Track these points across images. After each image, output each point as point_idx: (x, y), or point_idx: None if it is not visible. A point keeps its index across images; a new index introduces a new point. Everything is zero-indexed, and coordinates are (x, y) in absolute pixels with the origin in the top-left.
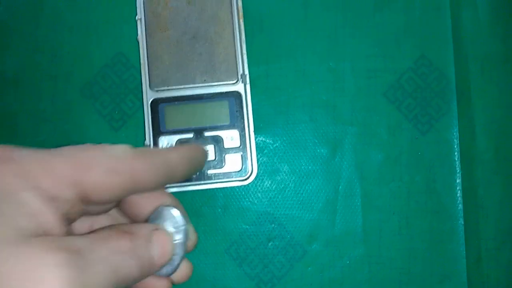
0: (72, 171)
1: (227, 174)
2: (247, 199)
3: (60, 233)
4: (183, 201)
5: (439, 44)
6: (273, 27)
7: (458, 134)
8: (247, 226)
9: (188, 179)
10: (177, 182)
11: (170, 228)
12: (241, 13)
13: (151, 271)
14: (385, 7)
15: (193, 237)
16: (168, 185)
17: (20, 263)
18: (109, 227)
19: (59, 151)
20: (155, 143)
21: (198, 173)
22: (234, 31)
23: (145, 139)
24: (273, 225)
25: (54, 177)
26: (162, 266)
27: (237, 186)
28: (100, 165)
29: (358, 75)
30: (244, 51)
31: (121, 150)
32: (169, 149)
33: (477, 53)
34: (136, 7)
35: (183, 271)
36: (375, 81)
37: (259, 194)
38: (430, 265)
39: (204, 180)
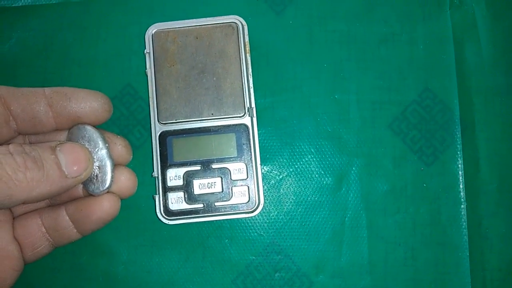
0: None
1: (234, 206)
2: (253, 230)
3: None
4: (190, 232)
5: (443, 77)
6: (279, 61)
7: (462, 165)
8: (254, 257)
9: (196, 212)
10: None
11: (84, 142)
12: (248, 48)
13: (67, 180)
14: (390, 41)
15: (121, 146)
16: (174, 218)
17: None
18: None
19: None
20: (163, 175)
21: (205, 206)
22: (241, 65)
23: (153, 170)
24: (279, 256)
25: None
26: (81, 176)
27: (244, 218)
28: None
29: (363, 107)
30: (251, 85)
31: None
32: (49, 88)
33: (481, 86)
34: (144, 41)
35: (123, 181)
36: (380, 113)
37: (266, 225)
38: None
39: (211, 212)
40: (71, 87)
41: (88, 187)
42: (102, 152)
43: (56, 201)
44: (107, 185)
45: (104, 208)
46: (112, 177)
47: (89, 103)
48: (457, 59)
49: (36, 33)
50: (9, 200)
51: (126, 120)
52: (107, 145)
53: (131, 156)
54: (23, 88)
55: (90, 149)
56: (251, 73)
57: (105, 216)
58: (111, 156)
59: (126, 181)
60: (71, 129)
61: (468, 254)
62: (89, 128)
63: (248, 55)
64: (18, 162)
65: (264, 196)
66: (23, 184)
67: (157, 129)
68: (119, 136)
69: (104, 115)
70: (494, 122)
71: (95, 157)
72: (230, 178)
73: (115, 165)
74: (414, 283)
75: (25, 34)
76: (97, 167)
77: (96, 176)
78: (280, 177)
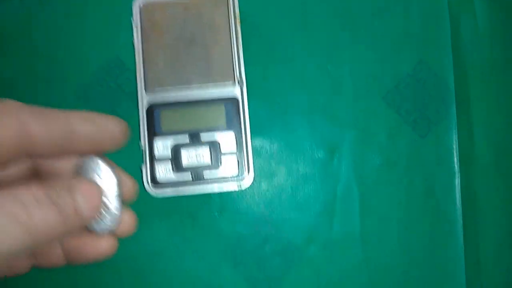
0: None
1: (223, 178)
2: (243, 203)
3: None
4: (179, 205)
5: (438, 49)
6: (271, 31)
7: (457, 138)
8: (244, 230)
9: (184, 184)
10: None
11: (96, 178)
12: (238, 18)
13: (80, 222)
14: (384, 12)
15: (130, 187)
16: (162, 189)
17: None
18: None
19: None
20: (150, 145)
21: (194, 177)
22: (231, 35)
23: (140, 141)
24: (270, 228)
25: None
26: (93, 217)
27: (234, 190)
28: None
29: (357, 79)
30: (241, 55)
31: (18, 110)
32: (71, 111)
33: (476, 59)
34: (132, 13)
35: (126, 222)
36: (373, 86)
37: (256, 198)
38: (428, 269)
39: (201, 183)
40: (95, 112)
41: (90, 224)
42: (112, 192)
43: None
44: (109, 227)
45: (103, 249)
46: (116, 219)
47: (111, 129)
48: (453, 32)
49: (22, 3)
50: (30, 248)
51: (113, 93)
52: (119, 185)
53: (136, 197)
54: (46, 109)
55: (102, 188)
56: (241, 44)
57: (100, 257)
58: (120, 198)
59: (127, 223)
60: (84, 159)
61: (461, 226)
62: (103, 164)
63: (238, 26)
64: (45, 212)
65: (254, 168)
66: (46, 231)
67: (144, 100)
68: (128, 175)
69: (122, 142)
70: (489, 95)
71: (104, 196)
72: (219, 150)
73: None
74: (406, 255)
75: (10, 4)
76: (104, 207)
77: (101, 214)
78: (271, 149)
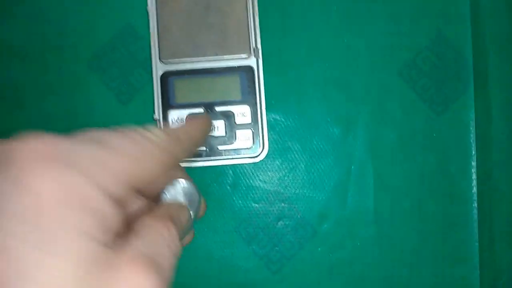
0: (131, 168)
1: (237, 151)
2: (257, 177)
3: (123, 231)
4: (192, 177)
5: (457, 22)
6: (287, 1)
7: (474, 115)
8: (257, 205)
9: (198, 155)
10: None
11: (185, 201)
12: None
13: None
14: None
15: (203, 207)
16: None
17: (115, 282)
18: (148, 216)
19: (107, 144)
20: (165, 117)
21: (208, 150)
22: (247, 3)
23: (154, 112)
24: (283, 204)
25: (116, 176)
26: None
27: (247, 164)
28: (152, 159)
29: (373, 52)
30: (257, 24)
31: (161, 139)
32: (192, 125)
33: (495, 32)
34: None
35: (189, 236)
36: (390, 59)
37: (269, 173)
38: (442, 247)
39: (215, 155)
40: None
41: None
42: (191, 216)
43: None
44: (184, 240)
45: None
46: (190, 233)
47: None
48: (472, 4)
49: None
50: None
51: (126, 61)
52: (199, 206)
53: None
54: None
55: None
56: (257, 12)
57: None
58: (193, 220)
59: (190, 237)
60: (170, 185)
61: (476, 206)
62: (195, 193)
63: None
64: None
65: (269, 142)
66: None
67: (158, 69)
68: (204, 199)
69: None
70: (508, 70)
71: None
72: (234, 122)
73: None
74: (419, 234)
75: None
76: None
77: None
78: (286, 123)
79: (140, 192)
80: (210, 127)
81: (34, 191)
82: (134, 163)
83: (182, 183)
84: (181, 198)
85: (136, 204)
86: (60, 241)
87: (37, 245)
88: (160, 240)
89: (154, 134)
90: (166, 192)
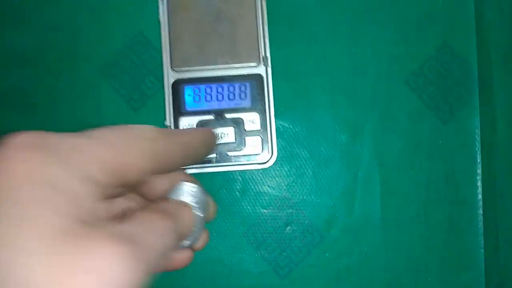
0: (112, 154)
1: (246, 157)
2: (265, 183)
3: (106, 218)
4: (202, 183)
5: (462, 32)
6: (296, 11)
7: (479, 123)
8: (265, 210)
9: (208, 161)
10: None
11: (191, 202)
12: None
13: (178, 245)
14: None
15: (212, 208)
16: (186, 168)
17: (84, 254)
18: (144, 209)
19: (93, 135)
20: (176, 124)
21: (217, 156)
22: (257, 13)
23: (165, 119)
24: (291, 210)
25: (96, 162)
26: (186, 235)
27: (256, 170)
28: (136, 148)
29: (380, 61)
30: (266, 33)
31: (148, 131)
32: (188, 131)
33: (500, 42)
34: None
35: (202, 239)
36: (396, 68)
37: (278, 179)
38: (447, 254)
39: (224, 161)
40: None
41: None
42: (199, 218)
43: None
44: (194, 242)
45: (182, 261)
46: (196, 240)
47: (213, 142)
48: (477, 14)
49: None
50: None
51: (137, 69)
52: (207, 208)
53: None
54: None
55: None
56: (266, 22)
57: (179, 267)
58: (204, 222)
59: (204, 240)
60: (176, 187)
61: (481, 213)
62: (201, 194)
63: (264, 2)
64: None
65: (277, 149)
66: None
67: (170, 77)
68: (212, 201)
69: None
70: None
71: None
72: (244, 129)
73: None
74: (426, 240)
75: None
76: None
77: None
78: (294, 130)
79: (143, 194)
80: (211, 139)
81: (10, 172)
82: (118, 150)
83: (187, 185)
84: (186, 199)
85: (136, 202)
86: (31, 215)
87: (8, 218)
88: (150, 227)
89: (144, 128)
90: (171, 194)
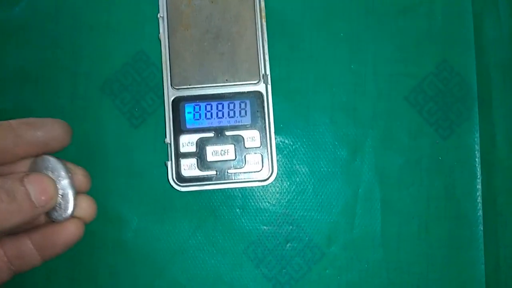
0: None
1: (247, 174)
2: (265, 200)
3: None
4: (201, 201)
5: (461, 49)
6: (295, 28)
7: (479, 140)
8: (265, 227)
9: (209, 179)
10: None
11: (48, 172)
12: (263, 14)
13: (35, 209)
14: (408, 12)
15: (81, 174)
16: (186, 185)
17: None
18: None
19: None
20: (176, 141)
21: (217, 173)
22: (257, 31)
23: (165, 137)
24: (291, 226)
25: None
26: (48, 204)
27: (256, 187)
28: None
29: (380, 78)
30: (266, 51)
31: None
32: (14, 120)
33: (499, 59)
34: (158, 5)
35: (85, 208)
36: (396, 85)
37: (278, 195)
38: (448, 271)
39: (224, 179)
40: (36, 118)
41: (51, 215)
42: (65, 182)
43: (17, 230)
44: (69, 212)
45: (71, 231)
46: (75, 204)
47: (55, 130)
48: (476, 32)
49: None
50: None
51: (138, 86)
52: (69, 174)
53: (90, 185)
54: None
55: (54, 179)
56: (266, 40)
57: (71, 239)
58: (73, 185)
59: (87, 207)
60: (36, 159)
61: (482, 229)
62: (52, 159)
63: (263, 20)
64: None
65: (277, 165)
66: (1, 217)
67: (170, 94)
68: (79, 167)
69: (67, 141)
70: (511, 96)
71: (58, 186)
72: (244, 146)
73: (77, 193)
74: (426, 257)
75: None
76: (60, 196)
77: (60, 204)
78: (294, 147)
79: None
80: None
81: None
82: None
83: (41, 158)
84: (45, 171)
85: None
86: None
87: None
88: None
89: None
90: (31, 169)
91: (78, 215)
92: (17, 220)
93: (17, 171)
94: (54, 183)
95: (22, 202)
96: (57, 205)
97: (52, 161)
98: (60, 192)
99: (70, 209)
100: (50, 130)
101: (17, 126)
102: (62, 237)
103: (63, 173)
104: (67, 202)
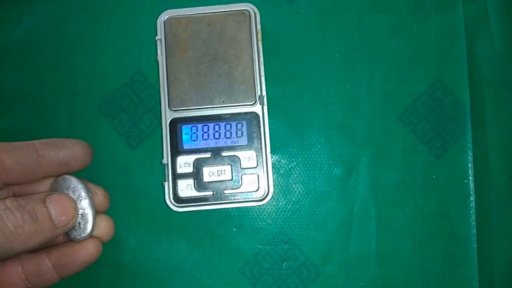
0: None
1: (243, 194)
2: (262, 219)
3: None
4: (198, 220)
5: (454, 69)
6: (290, 50)
7: (472, 158)
8: (262, 246)
9: (205, 200)
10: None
11: (68, 192)
12: (260, 36)
13: (56, 229)
14: (401, 32)
15: (101, 194)
16: (183, 205)
17: None
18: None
19: None
20: (173, 162)
21: (214, 194)
22: (253, 53)
23: (162, 157)
24: (287, 245)
25: None
26: (68, 224)
27: (253, 206)
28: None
29: (374, 97)
30: (262, 73)
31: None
32: (37, 140)
33: (492, 79)
34: (156, 28)
35: (103, 228)
36: (390, 104)
37: (274, 214)
38: None
39: (221, 200)
40: (58, 138)
41: (70, 234)
42: (85, 202)
43: (35, 248)
44: (88, 232)
45: (89, 251)
46: (94, 224)
47: (76, 151)
48: (469, 51)
49: (47, 18)
50: (8, 253)
51: (135, 107)
52: (90, 194)
53: (109, 205)
54: (15, 143)
55: (74, 199)
56: (262, 61)
57: (90, 259)
58: (93, 205)
59: (106, 227)
60: (56, 179)
61: (476, 247)
62: (73, 179)
63: (260, 43)
64: (17, 217)
65: (273, 185)
66: (22, 237)
67: (167, 116)
68: (99, 187)
69: (87, 161)
70: (504, 115)
71: (78, 206)
72: (240, 166)
73: (96, 213)
74: (422, 275)
75: (35, 19)
76: (80, 215)
77: (79, 223)
78: (289, 166)
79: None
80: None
81: None
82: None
83: (62, 178)
84: (66, 191)
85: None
86: None
87: None
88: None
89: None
90: (52, 189)
91: (97, 234)
92: (37, 241)
93: (38, 191)
94: (75, 203)
95: (43, 223)
96: (77, 224)
97: (74, 181)
98: (80, 212)
99: (89, 229)
100: (71, 150)
101: (39, 147)
102: (80, 256)
103: (83, 193)
104: (86, 222)
